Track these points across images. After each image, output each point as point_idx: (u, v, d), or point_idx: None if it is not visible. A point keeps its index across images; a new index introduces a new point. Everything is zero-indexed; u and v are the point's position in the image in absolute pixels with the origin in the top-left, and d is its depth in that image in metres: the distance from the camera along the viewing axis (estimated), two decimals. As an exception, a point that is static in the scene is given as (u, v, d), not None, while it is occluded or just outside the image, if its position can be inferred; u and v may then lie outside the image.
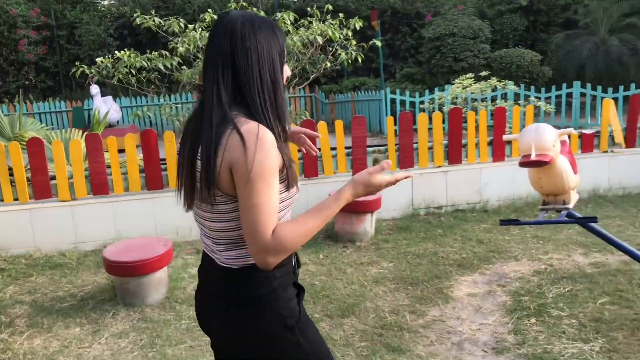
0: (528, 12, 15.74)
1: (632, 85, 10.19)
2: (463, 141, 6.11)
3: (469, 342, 3.38)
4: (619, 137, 6.32)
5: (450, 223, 5.61)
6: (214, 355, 1.81)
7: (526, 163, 2.99)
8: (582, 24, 14.70)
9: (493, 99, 10.85)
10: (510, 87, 10.00)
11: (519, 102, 9.85)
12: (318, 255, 4.88)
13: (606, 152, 6.31)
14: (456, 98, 9.50)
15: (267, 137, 1.47)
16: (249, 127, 1.47)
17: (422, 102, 11.75)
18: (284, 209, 1.61)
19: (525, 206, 5.99)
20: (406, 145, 5.90)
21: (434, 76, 13.73)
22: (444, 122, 7.22)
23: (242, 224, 1.49)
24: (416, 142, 5.99)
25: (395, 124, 6.09)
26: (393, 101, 12.17)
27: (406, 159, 5.91)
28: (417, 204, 5.89)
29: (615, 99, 10.27)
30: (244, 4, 6.25)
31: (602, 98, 9.68)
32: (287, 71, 1.66)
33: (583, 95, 11.20)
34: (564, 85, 11.24)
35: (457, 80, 9.62)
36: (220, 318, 1.64)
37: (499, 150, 6.13)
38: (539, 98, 10.90)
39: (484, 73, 10.05)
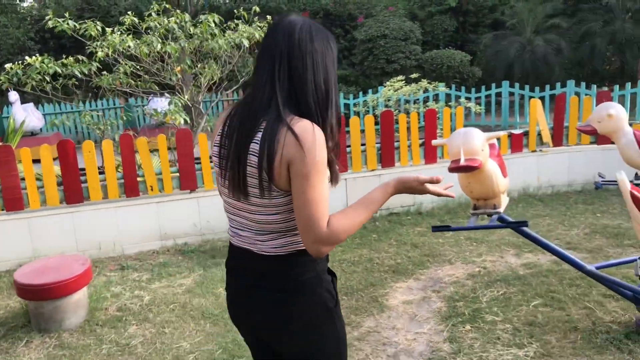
0: (457, 13, 16.03)
1: (558, 85, 10.49)
2: (395, 144, 6.06)
3: (405, 354, 3.29)
4: (547, 137, 6.44)
5: (385, 227, 5.54)
6: (252, 351, 1.86)
7: (455, 168, 2.91)
8: (509, 25, 15.09)
9: (425, 100, 10.95)
10: (441, 88, 10.10)
11: (450, 103, 9.96)
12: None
13: (535, 151, 6.41)
14: (388, 100, 9.51)
15: (321, 135, 1.55)
16: (304, 125, 1.54)
17: (355, 105, 11.73)
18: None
19: (459, 207, 6.00)
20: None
21: (368, 78, 13.76)
22: (376, 124, 7.16)
23: (296, 216, 1.55)
24: (349, 146, 5.90)
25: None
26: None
27: (339, 163, 5.80)
28: (352, 208, 5.79)
29: (543, 98, 10.54)
30: (167, 6, 5.98)
31: (530, 97, 9.93)
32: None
33: (512, 94, 11.45)
34: (493, 85, 11.47)
35: (388, 83, 9.63)
36: (266, 306, 1.67)
37: (431, 152, 6.12)
38: (469, 98, 11.07)
39: (414, 75, 10.10)
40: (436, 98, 11.17)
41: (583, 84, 9.87)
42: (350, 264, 4.64)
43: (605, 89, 8.67)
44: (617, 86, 9.13)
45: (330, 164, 1.65)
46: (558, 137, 6.52)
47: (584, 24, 14.54)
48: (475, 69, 13.55)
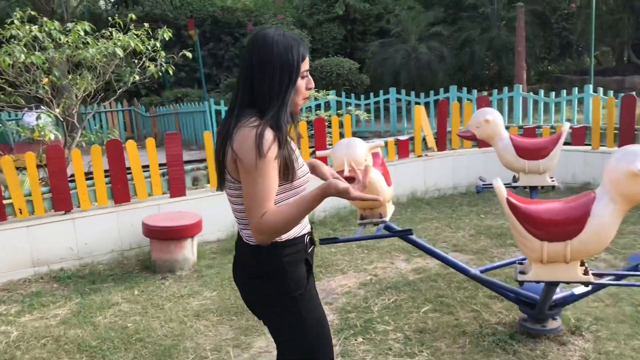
0: (345, 22, 16.29)
1: (441, 90, 10.88)
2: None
3: (296, 374, 3.16)
4: (431, 142, 6.60)
5: (277, 239, 5.40)
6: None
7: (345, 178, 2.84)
8: (395, 33, 15.53)
9: (317, 108, 10.98)
10: (331, 96, 10.16)
11: (340, 111, 10.03)
12: (132, 291, 4.39)
13: (420, 156, 6.55)
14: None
15: (266, 135, 1.76)
16: (254, 125, 1.78)
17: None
18: (291, 197, 1.90)
19: (351, 215, 6.00)
20: (226, 161, 5.60)
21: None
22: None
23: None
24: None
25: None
26: (219, 112, 11.85)
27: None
28: (242, 222, 5.62)
29: (428, 104, 10.89)
30: (33, 13, 5.51)
31: (416, 103, 10.22)
32: (309, 83, 1.94)
33: (399, 100, 11.74)
34: (381, 91, 11.71)
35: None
36: (240, 284, 2.02)
37: (321, 160, 6.07)
38: (359, 105, 11.22)
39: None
40: (327, 105, 11.23)
41: (465, 89, 10.30)
42: (240, 281, 4.46)
43: (485, 93, 9.08)
44: (496, 90, 9.60)
45: (284, 160, 1.83)
46: (442, 141, 6.71)
47: (464, 32, 15.26)
48: (363, 77, 13.81)
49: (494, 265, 3.87)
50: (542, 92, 8.65)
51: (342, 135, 7.17)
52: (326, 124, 6.39)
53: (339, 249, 5.06)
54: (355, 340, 3.46)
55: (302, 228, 1.98)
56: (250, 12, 17.43)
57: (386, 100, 11.73)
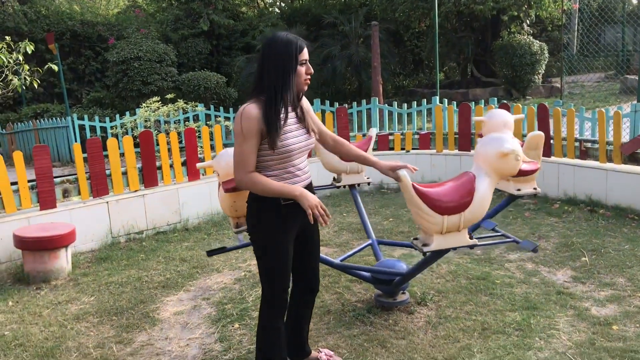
0: (211, 37, 16.51)
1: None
2: (157, 163, 6.14)
3: (178, 359, 3.43)
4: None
5: (153, 246, 5.58)
6: None
7: (232, 188, 3.08)
8: (260, 48, 16.03)
9: (186, 120, 11.12)
10: (200, 108, 10.38)
11: (209, 123, 10.27)
12: (7, 302, 4.38)
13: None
14: (147, 121, 9.49)
15: (247, 112, 2.52)
16: (245, 104, 2.55)
17: (113, 127, 11.42)
18: (276, 162, 2.62)
19: (224, 220, 6.30)
20: (98, 173, 5.69)
21: (124, 100, 13.46)
22: (136, 146, 7.13)
23: None
24: (109, 169, 5.82)
25: (84, 151, 5.79)
26: (82, 127, 11.58)
27: (99, 187, 5.69)
28: (117, 231, 5.72)
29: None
30: None
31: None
32: (308, 69, 2.63)
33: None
34: (249, 104, 12.09)
35: (144, 104, 9.61)
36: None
37: (193, 169, 6.32)
38: (228, 118, 11.52)
39: (169, 96, 10.23)
40: (196, 118, 11.41)
41: (327, 102, 10.97)
42: (118, 286, 4.60)
43: (346, 105, 9.74)
44: (355, 103, 10.34)
45: (268, 130, 2.52)
46: (307, 148, 7.21)
47: (325, 48, 16.08)
48: (231, 90, 14.12)
49: (350, 253, 4.35)
50: (395, 104, 9.49)
51: (212, 147, 7.46)
52: (196, 135, 6.64)
53: (214, 251, 5.34)
54: (232, 326, 3.79)
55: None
56: (112, 25, 17.09)
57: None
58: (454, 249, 3.12)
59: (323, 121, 7.48)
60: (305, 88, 2.67)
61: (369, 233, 4.23)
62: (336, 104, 10.87)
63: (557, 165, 6.31)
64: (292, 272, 2.88)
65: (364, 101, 9.73)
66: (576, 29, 16.22)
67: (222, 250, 3.69)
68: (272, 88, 2.53)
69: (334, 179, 4.37)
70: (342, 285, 4.31)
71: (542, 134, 3.60)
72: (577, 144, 6.44)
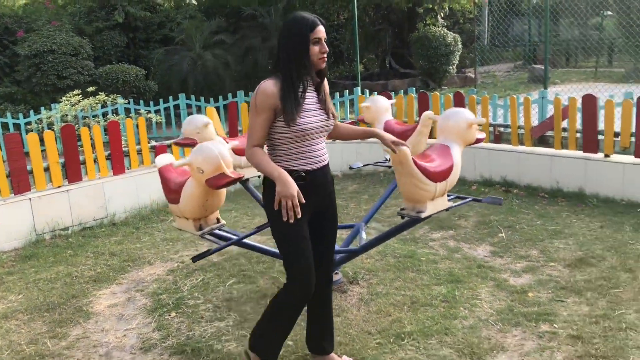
0: (127, 29, 16.06)
1: (229, 95, 11.45)
2: (81, 158, 5.99)
3: (117, 350, 3.43)
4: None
5: (80, 242, 5.46)
6: None
7: (227, 182, 2.99)
8: (179, 41, 15.75)
9: (105, 114, 10.82)
10: (120, 101, 10.14)
11: (131, 115, 10.06)
12: None
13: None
14: (66, 116, 9.19)
15: (264, 87, 2.58)
16: (263, 82, 2.61)
17: (28, 123, 10.95)
18: (290, 140, 2.64)
19: (152, 214, 6.24)
20: (18, 169, 5.49)
21: (38, 95, 12.89)
22: (57, 141, 6.91)
23: None
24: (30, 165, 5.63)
25: (1, 149, 5.57)
26: (-6, 124, 11.04)
27: (21, 183, 5.50)
28: (41, 228, 5.55)
29: (218, 108, 11.38)
30: None
31: (206, 107, 10.63)
32: (322, 47, 2.62)
33: (190, 106, 12.07)
34: (170, 97, 11.91)
35: (64, 98, 9.30)
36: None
37: (118, 163, 6.22)
38: (149, 111, 11.31)
39: (90, 89, 9.95)
40: (116, 112, 11.13)
41: (251, 94, 11.01)
42: (47, 282, 4.50)
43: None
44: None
45: (284, 107, 2.55)
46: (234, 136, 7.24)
47: (246, 40, 16.04)
48: (151, 83, 13.83)
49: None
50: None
51: (137, 140, 7.33)
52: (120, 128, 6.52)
53: (144, 244, 5.31)
54: (169, 315, 3.82)
55: (294, 165, 2.67)
56: (20, 18, 16.28)
57: (176, 106, 11.97)
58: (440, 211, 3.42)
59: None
60: (323, 66, 2.66)
61: None
62: (260, 96, 10.91)
63: (473, 149, 6.67)
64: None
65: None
66: (487, 21, 17.01)
67: (207, 253, 3.62)
68: (287, 66, 2.57)
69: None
70: (277, 271, 4.42)
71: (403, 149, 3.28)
72: (491, 128, 6.83)
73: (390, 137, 2.96)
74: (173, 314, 3.83)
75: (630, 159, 5.56)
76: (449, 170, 3.29)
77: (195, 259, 3.53)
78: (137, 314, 3.89)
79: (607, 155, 5.70)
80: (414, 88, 8.23)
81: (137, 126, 6.75)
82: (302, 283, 2.71)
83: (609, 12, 17.40)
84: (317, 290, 2.83)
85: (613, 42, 17.56)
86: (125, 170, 6.34)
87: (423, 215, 3.24)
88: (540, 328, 3.36)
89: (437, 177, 3.22)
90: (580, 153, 5.89)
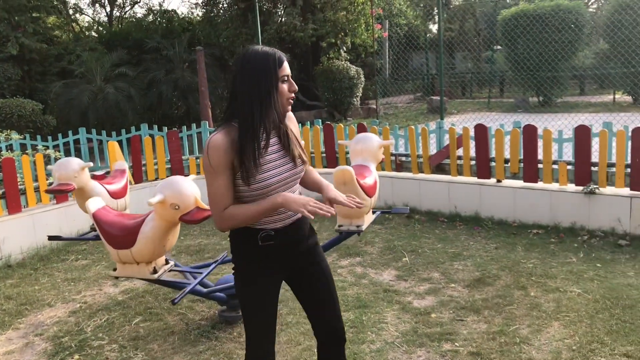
0: (21, 62, 15.40)
1: (133, 128, 11.21)
2: (-29, 197, 5.66)
3: (14, 399, 3.24)
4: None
5: (-30, 287, 5.11)
6: None
7: (207, 216, 2.99)
8: (78, 73, 15.27)
9: (-2, 151, 10.25)
10: (15, 137, 9.66)
11: (27, 152, 9.59)
12: None
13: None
14: (-46, 153, 8.62)
15: (214, 142, 2.09)
16: (211, 135, 2.13)
17: None
18: (251, 198, 2.17)
19: (52, 253, 5.96)
20: None
21: None
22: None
23: None
24: None
25: None
26: None
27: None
28: None
29: (121, 142, 11.09)
30: None
31: (108, 141, 10.33)
32: (291, 86, 2.19)
33: (91, 140, 11.68)
34: (70, 132, 11.49)
35: (-47, 134, 8.75)
36: None
37: (13, 202, 5.91)
38: (47, 147, 10.84)
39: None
40: (11, 148, 10.57)
41: (155, 127, 10.82)
42: None
43: (176, 130, 9.69)
44: (185, 127, 10.33)
45: (241, 162, 2.11)
46: (138, 174, 7.10)
47: (149, 73, 15.81)
48: (49, 118, 13.28)
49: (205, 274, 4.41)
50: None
51: (35, 177, 7.02)
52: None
53: (44, 285, 5.06)
54: (72, 358, 3.66)
55: (260, 224, 2.23)
56: None
57: (76, 141, 11.55)
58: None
59: (154, 146, 7.42)
60: (289, 108, 2.25)
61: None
62: (165, 128, 10.78)
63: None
64: (312, 324, 2.49)
65: (194, 125, 9.76)
66: (387, 55, 17.75)
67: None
68: (249, 110, 2.10)
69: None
70: (184, 307, 4.35)
71: (348, 169, 3.47)
72: (392, 158, 7.12)
73: (331, 194, 2.38)
74: (76, 356, 3.67)
75: (520, 183, 5.97)
76: (375, 185, 3.64)
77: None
78: (36, 359, 3.70)
79: (499, 181, 6.10)
80: (320, 120, 8.44)
81: (35, 163, 6.47)
82: None
83: (499, 47, 18.70)
84: (330, 350, 2.52)
85: (503, 74, 18.86)
86: (21, 209, 6.03)
87: (363, 227, 3.58)
88: (443, 347, 3.51)
89: (371, 192, 3.54)
90: (474, 179, 6.25)
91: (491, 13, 20.18)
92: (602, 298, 4.05)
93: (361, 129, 6.98)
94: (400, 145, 7.56)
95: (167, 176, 7.44)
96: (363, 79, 15.67)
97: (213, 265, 3.80)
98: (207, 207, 3.05)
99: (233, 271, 2.35)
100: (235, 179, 2.16)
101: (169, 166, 7.64)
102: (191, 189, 3.04)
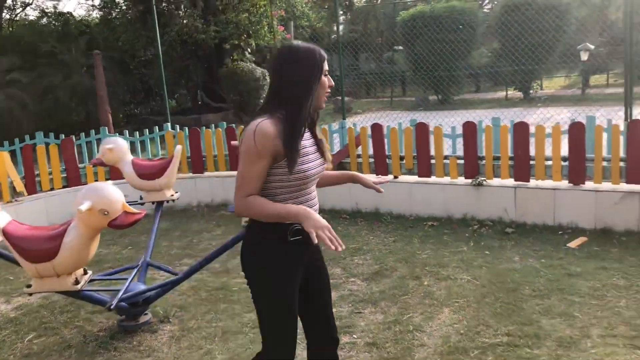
0: None
1: (27, 137, 10.67)
2: None
3: None
4: (20, 186, 6.64)
5: None
6: None
7: (136, 220, 3.07)
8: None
9: None
10: None
11: None
12: None
13: (10, 202, 6.52)
14: None
15: (264, 127, 2.11)
16: (251, 124, 2.15)
17: None
18: (288, 189, 2.23)
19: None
20: None
21: None
22: None
23: None
24: None
25: None
26: None
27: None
28: None
29: (14, 151, 10.53)
30: None
31: (-1, 152, 9.79)
32: (329, 81, 2.29)
33: (-20, 151, 11.01)
34: (-43, 143, 10.79)
35: None
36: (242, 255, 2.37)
37: None
38: None
39: None
40: None
41: (52, 134, 10.37)
42: None
43: (73, 137, 9.33)
44: (84, 134, 9.97)
45: (287, 153, 2.15)
46: (31, 185, 6.81)
47: (45, 79, 15.10)
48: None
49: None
50: (127, 132, 9.42)
51: None
52: None
53: None
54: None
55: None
56: None
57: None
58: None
59: (48, 155, 7.13)
60: (324, 105, 2.32)
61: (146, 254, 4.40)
62: (62, 136, 10.36)
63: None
64: (310, 323, 2.51)
65: (92, 131, 9.45)
66: (293, 56, 17.87)
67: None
68: (295, 101, 2.18)
69: (140, 197, 4.64)
70: (82, 319, 4.23)
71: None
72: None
73: (369, 179, 2.78)
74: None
75: (415, 178, 6.25)
76: None
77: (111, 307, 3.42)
78: None
79: (395, 177, 6.35)
80: (224, 123, 8.41)
81: None
82: None
83: (400, 47, 19.33)
84: (323, 352, 2.54)
85: (404, 74, 19.52)
86: None
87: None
88: (342, 340, 3.63)
89: None
90: (373, 176, 6.45)
91: (391, 14, 20.87)
92: (489, 283, 4.33)
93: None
94: (303, 146, 7.67)
95: (64, 186, 7.19)
96: (269, 80, 15.72)
97: (135, 270, 3.83)
98: (135, 211, 3.07)
99: (249, 272, 2.33)
100: (276, 168, 2.19)
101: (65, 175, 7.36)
102: (117, 193, 3.05)
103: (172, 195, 4.65)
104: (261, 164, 2.14)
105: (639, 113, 9.35)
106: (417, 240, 5.42)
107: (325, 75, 2.27)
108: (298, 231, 2.23)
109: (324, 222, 2.09)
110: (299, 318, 2.41)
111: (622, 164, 5.31)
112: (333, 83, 2.30)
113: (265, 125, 2.12)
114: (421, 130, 6.09)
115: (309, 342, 2.56)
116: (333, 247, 2.05)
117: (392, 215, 6.22)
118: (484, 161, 5.88)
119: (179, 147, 4.59)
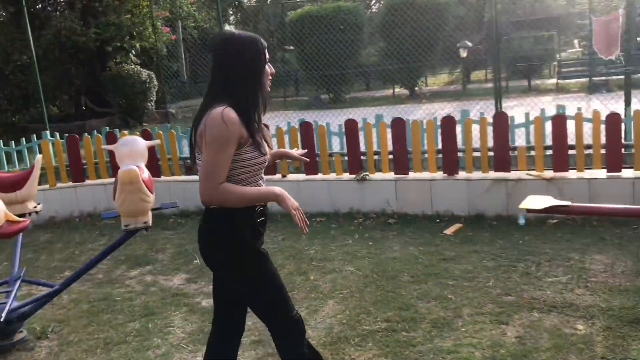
0: None
1: None
2: None
3: None
4: None
5: None
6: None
7: (21, 228, 3.08)
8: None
9: None
10: None
11: None
12: None
13: None
14: None
15: (230, 115, 2.18)
16: (215, 112, 2.19)
17: None
18: (250, 175, 2.32)
19: None
20: None
21: None
22: None
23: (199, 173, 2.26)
24: None
25: None
26: None
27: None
28: None
29: None
30: None
31: None
32: (270, 69, 2.39)
33: None
34: None
35: None
36: (202, 244, 2.42)
37: None
38: None
39: None
40: None
41: None
42: None
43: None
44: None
45: (252, 137, 2.26)
46: None
47: None
48: None
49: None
50: (1, 142, 8.86)
51: None
52: None
53: None
54: None
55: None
56: None
57: None
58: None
59: None
60: (269, 89, 2.42)
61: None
62: None
63: (166, 184, 6.87)
64: (220, 308, 2.61)
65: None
66: (184, 57, 17.58)
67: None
68: (250, 89, 2.28)
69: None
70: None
71: (134, 168, 3.45)
72: (181, 162, 7.14)
73: (293, 152, 2.98)
74: None
75: (302, 176, 6.36)
76: (151, 182, 3.60)
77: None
78: None
79: (284, 176, 6.43)
80: (107, 128, 8.12)
81: None
82: (294, 331, 2.54)
83: (291, 47, 19.50)
84: (231, 338, 2.67)
85: (296, 73, 19.71)
86: None
87: (150, 223, 3.58)
88: (228, 341, 3.64)
89: (152, 188, 3.55)
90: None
91: (280, 15, 21.00)
92: (371, 273, 4.50)
93: (145, 134, 6.88)
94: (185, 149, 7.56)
95: None
96: (156, 82, 15.33)
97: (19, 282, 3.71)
98: (18, 219, 2.98)
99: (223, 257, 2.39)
100: (239, 154, 2.26)
101: None
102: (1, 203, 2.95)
103: (35, 207, 4.39)
104: (230, 150, 2.22)
105: (509, 106, 10.08)
106: (305, 237, 5.52)
107: (266, 62, 2.37)
108: (262, 212, 2.42)
109: (296, 202, 2.36)
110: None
111: (491, 153, 5.69)
112: (273, 70, 2.42)
113: (231, 113, 2.20)
114: (306, 129, 6.21)
115: (221, 330, 2.65)
116: (301, 226, 2.35)
117: (281, 214, 6.28)
118: (366, 157, 6.09)
119: (39, 157, 4.42)
